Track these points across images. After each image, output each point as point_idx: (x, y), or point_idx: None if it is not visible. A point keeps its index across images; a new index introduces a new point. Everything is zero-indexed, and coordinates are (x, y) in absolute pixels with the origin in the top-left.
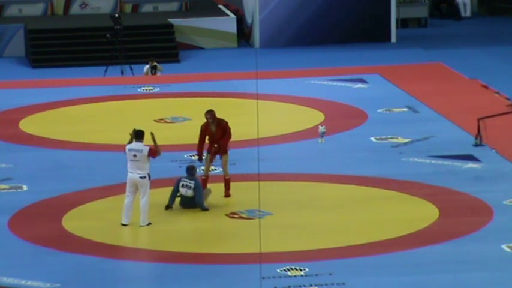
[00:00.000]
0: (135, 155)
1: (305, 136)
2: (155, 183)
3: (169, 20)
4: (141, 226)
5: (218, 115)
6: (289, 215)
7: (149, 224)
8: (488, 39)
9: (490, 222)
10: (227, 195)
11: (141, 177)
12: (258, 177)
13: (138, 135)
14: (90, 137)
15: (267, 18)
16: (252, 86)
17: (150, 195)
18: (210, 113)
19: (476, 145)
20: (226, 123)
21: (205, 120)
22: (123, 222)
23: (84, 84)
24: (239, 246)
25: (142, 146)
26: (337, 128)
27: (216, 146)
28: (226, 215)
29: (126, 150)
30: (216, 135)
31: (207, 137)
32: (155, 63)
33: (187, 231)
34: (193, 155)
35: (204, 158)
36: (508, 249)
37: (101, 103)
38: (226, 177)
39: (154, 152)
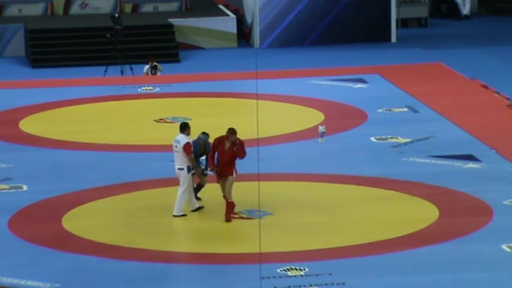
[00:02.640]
0: (176, 146)
1: (305, 136)
2: (155, 184)
3: (169, 20)
4: (174, 216)
5: (218, 115)
6: (289, 215)
7: (183, 215)
8: (488, 39)
9: (490, 222)
10: (228, 219)
11: (178, 169)
12: (258, 177)
13: (181, 127)
14: (90, 137)
15: (267, 18)
16: (252, 86)
17: (154, 195)
18: (234, 134)
19: None
20: (243, 143)
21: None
22: (173, 214)
23: (84, 84)
24: (239, 246)
25: (183, 138)
26: (337, 128)
27: (220, 168)
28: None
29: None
30: (226, 154)
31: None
32: (155, 63)
33: (187, 231)
34: None
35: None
36: (508, 249)
37: (101, 103)
38: (229, 201)
39: (188, 148)
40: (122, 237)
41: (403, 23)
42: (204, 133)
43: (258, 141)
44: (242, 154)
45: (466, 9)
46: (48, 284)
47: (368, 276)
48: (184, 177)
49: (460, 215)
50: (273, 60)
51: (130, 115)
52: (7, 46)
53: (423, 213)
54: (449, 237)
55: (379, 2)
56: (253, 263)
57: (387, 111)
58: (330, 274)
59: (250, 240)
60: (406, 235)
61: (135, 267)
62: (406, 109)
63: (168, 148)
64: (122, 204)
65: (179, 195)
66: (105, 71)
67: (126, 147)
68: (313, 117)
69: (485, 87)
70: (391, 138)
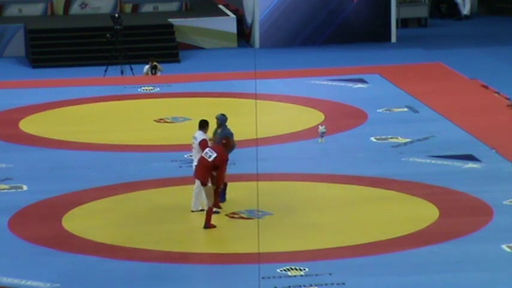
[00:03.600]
0: (193, 142)
1: (305, 136)
2: (155, 184)
3: (169, 20)
4: (192, 211)
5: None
6: (289, 215)
7: (201, 210)
8: (488, 39)
9: (490, 222)
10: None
11: (195, 166)
12: (257, 177)
13: (200, 124)
14: (90, 137)
15: (267, 18)
16: (252, 86)
17: (154, 195)
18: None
19: None
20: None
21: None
22: (191, 209)
23: (84, 84)
24: (239, 246)
25: (200, 135)
26: (337, 128)
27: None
28: (226, 215)
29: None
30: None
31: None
32: (155, 63)
33: (187, 231)
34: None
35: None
36: (508, 249)
37: (101, 103)
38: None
39: (203, 144)
40: (122, 237)
41: (403, 23)
42: (222, 114)
43: (256, 141)
44: None
45: (466, 9)
46: (48, 284)
47: (368, 276)
48: None
49: (460, 215)
50: (273, 60)
51: (130, 115)
52: (7, 46)
53: (423, 213)
54: (449, 237)
55: (379, 2)
56: (253, 263)
57: (387, 111)
58: (330, 274)
59: (250, 240)
60: (406, 235)
61: (135, 267)
62: (406, 109)
63: (169, 148)
64: (122, 204)
65: (196, 193)
66: (105, 71)
67: (126, 147)
68: (313, 117)
69: (485, 87)
70: (391, 138)
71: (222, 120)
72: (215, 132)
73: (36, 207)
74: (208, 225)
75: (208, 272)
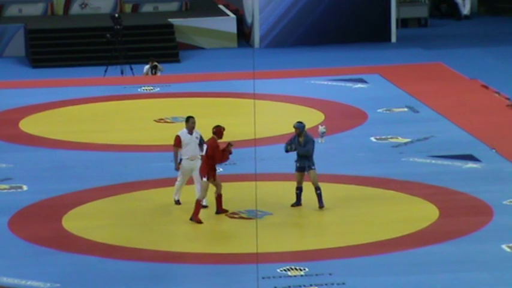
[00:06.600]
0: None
1: None
2: (155, 184)
3: (169, 20)
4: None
5: (218, 115)
6: (289, 215)
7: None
8: (488, 39)
9: (490, 222)
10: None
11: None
12: (255, 177)
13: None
14: (90, 137)
15: (266, 18)
16: (252, 86)
17: (154, 195)
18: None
19: None
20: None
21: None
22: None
23: (84, 84)
24: (239, 246)
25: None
26: (337, 128)
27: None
28: (226, 215)
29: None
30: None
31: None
32: (155, 63)
33: (187, 231)
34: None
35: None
36: (508, 249)
37: (101, 103)
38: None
39: (174, 140)
40: (122, 237)
41: (403, 23)
42: (300, 122)
43: (255, 141)
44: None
45: (466, 9)
46: (48, 284)
47: (368, 276)
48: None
49: (460, 215)
50: (273, 60)
51: (130, 115)
52: (7, 46)
53: (423, 213)
54: (449, 237)
55: (379, 2)
56: (253, 263)
57: (387, 111)
58: (330, 274)
59: (250, 240)
60: (406, 235)
61: (135, 267)
62: (406, 109)
63: (169, 148)
64: (122, 204)
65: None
66: (105, 71)
67: (126, 147)
68: (313, 117)
69: (485, 87)
70: (391, 138)
71: (302, 128)
72: (297, 141)
73: (36, 207)
74: (195, 217)
75: (208, 272)
